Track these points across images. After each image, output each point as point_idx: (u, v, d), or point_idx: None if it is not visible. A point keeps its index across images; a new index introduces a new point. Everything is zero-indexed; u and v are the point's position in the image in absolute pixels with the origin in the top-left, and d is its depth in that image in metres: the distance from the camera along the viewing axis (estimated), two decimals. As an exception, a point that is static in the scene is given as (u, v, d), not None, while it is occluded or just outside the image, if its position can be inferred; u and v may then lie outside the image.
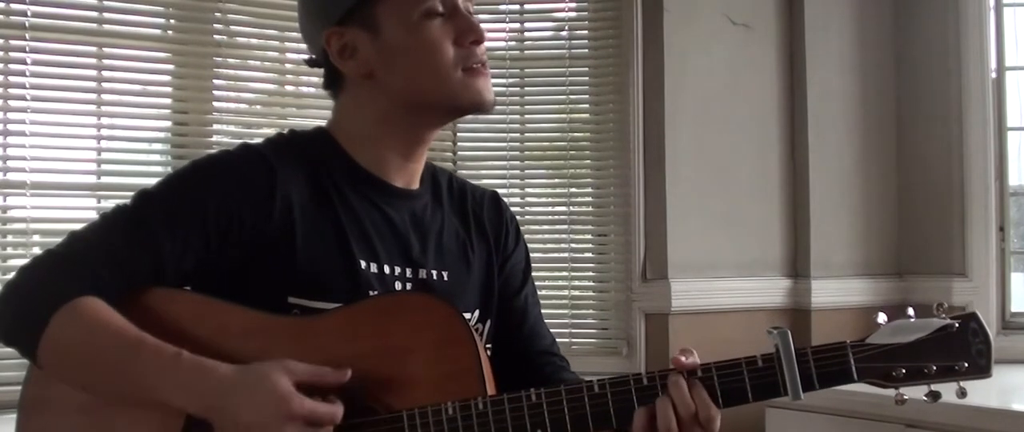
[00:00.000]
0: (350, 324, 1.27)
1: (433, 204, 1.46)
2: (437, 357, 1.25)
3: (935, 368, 1.20)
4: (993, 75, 2.92)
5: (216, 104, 2.76)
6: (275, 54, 2.88)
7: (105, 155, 2.65)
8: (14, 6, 2.51)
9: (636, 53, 2.91)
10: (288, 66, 2.87)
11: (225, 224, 1.28)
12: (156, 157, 2.81)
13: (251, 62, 2.84)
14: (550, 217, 3.05)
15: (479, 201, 1.52)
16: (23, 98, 2.52)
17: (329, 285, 1.30)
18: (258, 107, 2.88)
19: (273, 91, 2.90)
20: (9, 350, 1.25)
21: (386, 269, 1.35)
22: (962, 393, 1.20)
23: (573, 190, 3.02)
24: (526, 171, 3.04)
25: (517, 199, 3.01)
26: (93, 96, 2.62)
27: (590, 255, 3.01)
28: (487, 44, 1.40)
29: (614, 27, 2.96)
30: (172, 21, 2.74)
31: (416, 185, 1.44)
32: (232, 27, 2.78)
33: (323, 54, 1.39)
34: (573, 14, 3.01)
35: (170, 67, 2.72)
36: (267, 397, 1.16)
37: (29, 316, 1.22)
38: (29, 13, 2.52)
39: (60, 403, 1.26)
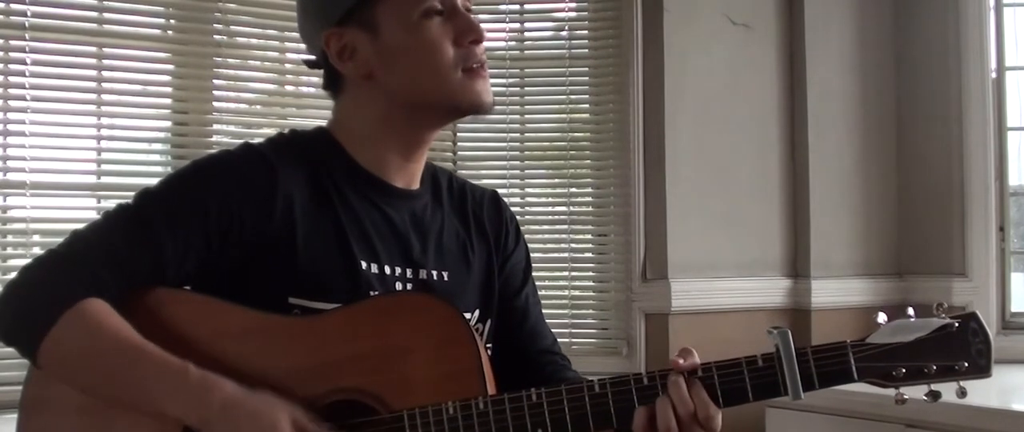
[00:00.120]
0: (350, 324, 1.27)
1: (433, 204, 1.46)
2: (437, 357, 1.25)
3: (935, 368, 1.20)
4: (993, 75, 2.92)
5: (216, 104, 2.76)
6: (275, 54, 2.88)
7: (105, 155, 2.65)
8: (14, 6, 2.51)
9: (636, 53, 2.91)
10: (288, 66, 2.87)
11: (226, 224, 1.28)
12: (156, 157, 2.80)
13: (251, 62, 2.84)
14: (550, 217, 3.05)
15: (479, 201, 1.52)
16: (23, 98, 2.52)
17: (329, 285, 1.30)
18: (258, 107, 2.88)
19: (273, 91, 2.90)
20: (9, 350, 1.25)
21: (386, 269, 1.35)
22: (962, 393, 1.20)
23: (573, 190, 3.02)
24: (526, 171, 3.04)
25: (517, 199, 3.01)
26: (93, 96, 2.62)
27: (590, 255, 3.01)
28: (487, 44, 1.40)
29: (614, 27, 2.96)
30: (172, 21, 2.74)
31: (416, 185, 1.44)
32: (232, 27, 2.78)
33: (322, 55, 1.39)
34: (573, 14, 3.01)
35: (170, 67, 2.72)
36: (269, 427, 1.17)
37: (30, 316, 1.22)
38: (29, 13, 2.52)
39: (60, 403, 1.26)
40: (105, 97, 2.63)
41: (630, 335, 2.91)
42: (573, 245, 3.00)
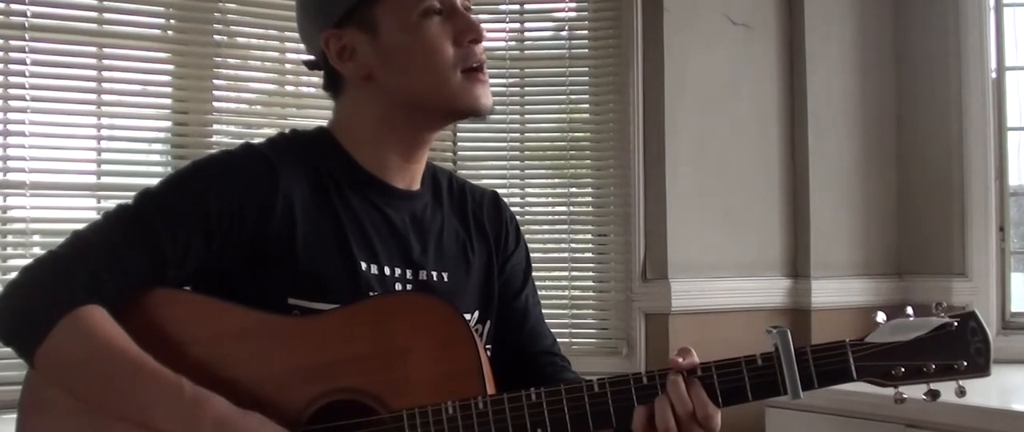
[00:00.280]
0: (350, 324, 1.27)
1: (433, 205, 1.46)
2: (437, 357, 1.25)
3: (934, 367, 1.20)
4: (993, 75, 2.92)
5: (216, 104, 2.76)
6: (275, 54, 2.88)
7: (105, 155, 2.65)
8: (14, 6, 2.51)
9: (636, 53, 2.91)
10: (288, 66, 2.87)
11: (227, 224, 1.28)
12: (156, 157, 2.81)
13: (251, 62, 2.84)
14: (550, 217, 3.05)
15: (479, 202, 1.52)
16: (23, 98, 2.52)
17: (329, 286, 1.30)
18: (258, 107, 2.88)
19: (273, 91, 2.90)
20: (9, 350, 1.25)
21: (386, 270, 1.35)
22: (961, 392, 1.20)
23: (573, 190, 3.02)
24: (526, 171, 3.04)
25: (517, 199, 3.01)
26: (93, 96, 2.62)
27: (590, 255, 3.01)
28: (487, 44, 1.40)
29: (614, 27, 2.96)
30: (172, 21, 2.74)
31: (417, 186, 1.44)
32: (232, 27, 2.78)
33: (322, 56, 1.39)
34: (573, 14, 3.01)
35: (170, 67, 2.72)
36: None
37: (29, 317, 1.22)
38: (29, 13, 2.52)
39: (60, 405, 1.25)
40: (105, 97, 2.63)
41: (630, 335, 2.91)
42: (573, 245, 3.00)
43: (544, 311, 1.58)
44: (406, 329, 1.26)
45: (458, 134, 3.01)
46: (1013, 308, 2.92)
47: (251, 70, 2.84)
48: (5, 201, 2.54)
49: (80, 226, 1.29)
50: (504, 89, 2.97)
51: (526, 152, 3.03)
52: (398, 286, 1.36)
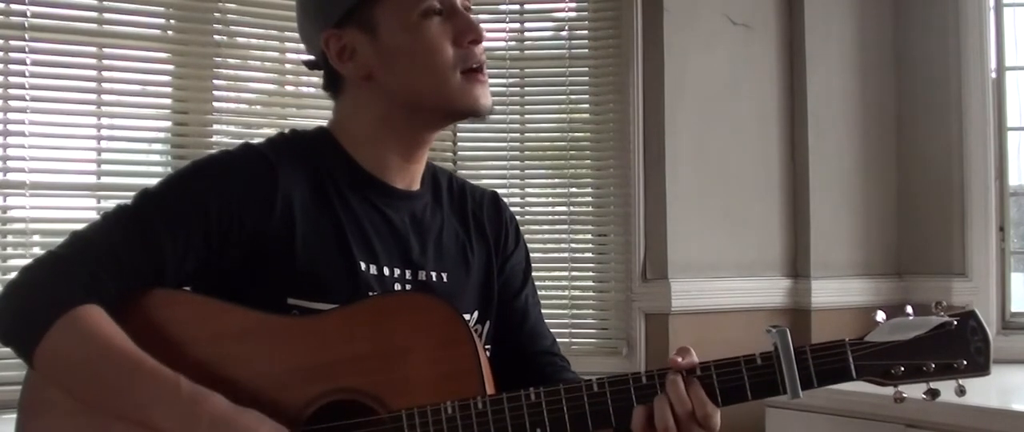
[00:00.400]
0: (349, 324, 1.27)
1: (433, 205, 1.46)
2: (437, 357, 1.25)
3: (934, 366, 1.20)
4: (993, 75, 2.92)
5: (216, 104, 2.76)
6: (275, 54, 2.88)
7: (105, 155, 2.65)
8: (14, 6, 2.51)
9: (636, 53, 2.91)
10: (288, 66, 2.87)
11: (226, 224, 1.28)
12: (156, 157, 2.81)
13: (251, 62, 2.84)
14: (550, 217, 3.05)
15: (479, 202, 1.52)
16: (23, 98, 2.52)
17: (329, 286, 1.30)
18: (258, 107, 2.88)
19: (273, 91, 2.90)
20: (9, 350, 1.25)
21: (386, 271, 1.35)
22: (961, 391, 1.20)
23: (573, 190, 3.02)
24: (526, 171, 3.04)
25: (517, 199, 3.01)
26: (93, 96, 2.62)
27: (590, 255, 3.01)
28: (487, 44, 1.40)
29: (614, 27, 2.96)
30: (172, 21, 2.74)
31: (417, 186, 1.44)
32: (232, 27, 2.78)
33: (322, 56, 1.39)
34: (573, 14, 3.01)
35: (170, 67, 2.72)
36: None
37: (28, 317, 1.22)
38: (29, 13, 2.52)
39: (60, 405, 1.25)
40: (105, 97, 2.63)
41: (630, 335, 2.91)
42: (573, 245, 3.00)
43: (544, 311, 1.58)
44: (405, 329, 1.26)
45: (458, 134, 3.01)
46: (1013, 308, 2.92)
47: (251, 70, 2.84)
48: (5, 201, 2.54)
49: (80, 226, 1.29)
50: (504, 89, 2.97)
51: (526, 152, 3.03)
52: (397, 286, 1.36)
